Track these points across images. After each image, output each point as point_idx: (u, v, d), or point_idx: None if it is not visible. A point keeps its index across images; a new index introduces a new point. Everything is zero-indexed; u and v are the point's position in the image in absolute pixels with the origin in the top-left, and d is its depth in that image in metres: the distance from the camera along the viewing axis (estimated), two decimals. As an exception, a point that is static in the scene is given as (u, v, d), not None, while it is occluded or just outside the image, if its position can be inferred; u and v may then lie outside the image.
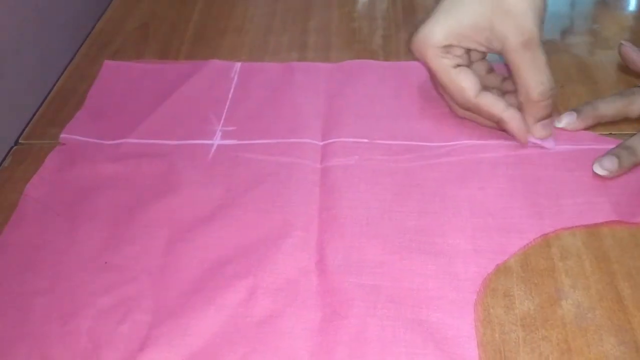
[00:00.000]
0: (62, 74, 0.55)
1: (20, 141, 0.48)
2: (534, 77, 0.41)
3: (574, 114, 0.44)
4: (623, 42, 0.48)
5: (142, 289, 0.36)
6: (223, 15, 0.63)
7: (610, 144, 0.43)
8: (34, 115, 0.50)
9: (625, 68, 0.53)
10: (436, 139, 0.45)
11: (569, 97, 0.49)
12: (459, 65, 0.43)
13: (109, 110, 0.49)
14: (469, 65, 0.44)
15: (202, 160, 0.44)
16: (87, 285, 0.36)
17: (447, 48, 0.43)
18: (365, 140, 0.45)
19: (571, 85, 0.51)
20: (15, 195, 0.42)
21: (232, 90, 0.50)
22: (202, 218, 0.40)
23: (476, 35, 0.42)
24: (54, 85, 0.54)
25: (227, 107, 0.49)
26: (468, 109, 0.44)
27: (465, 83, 0.43)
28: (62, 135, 0.46)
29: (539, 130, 0.43)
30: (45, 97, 0.52)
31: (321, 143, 0.45)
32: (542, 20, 0.42)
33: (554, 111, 0.44)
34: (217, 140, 0.46)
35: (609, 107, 0.44)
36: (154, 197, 0.41)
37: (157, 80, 0.52)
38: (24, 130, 0.49)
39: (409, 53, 0.55)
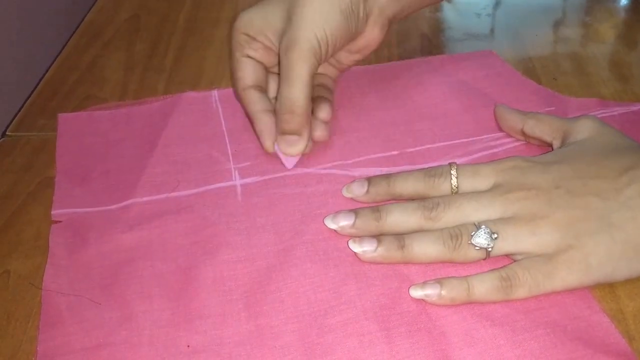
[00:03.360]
0: (51, 65, 0.55)
1: (7, 133, 0.47)
2: (283, 87, 0.40)
3: (365, 186, 0.38)
4: (497, 104, 0.44)
5: None
6: (215, 6, 0.63)
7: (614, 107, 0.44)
8: (22, 106, 0.50)
9: (617, 61, 0.53)
10: (471, 133, 0.44)
11: (562, 90, 0.48)
12: (249, 57, 0.42)
13: (89, 170, 0.42)
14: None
15: (233, 205, 0.39)
16: None
17: (251, 38, 0.42)
18: (395, 152, 0.43)
19: (564, 77, 0.50)
20: (2, 188, 0.42)
21: (223, 123, 0.46)
22: (270, 268, 0.35)
23: (271, 33, 0.41)
24: (43, 76, 0.53)
25: (227, 141, 0.44)
26: (240, 101, 0.43)
27: (240, 73, 0.42)
28: (55, 212, 0.39)
29: (281, 143, 0.41)
30: (34, 89, 0.52)
31: (350, 161, 0.42)
32: (330, 35, 0.39)
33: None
34: (237, 180, 0.41)
35: (406, 187, 0.37)
36: (201, 257, 0.36)
37: (130, 126, 0.46)
38: (11, 121, 0.48)
39: (400, 47, 0.55)
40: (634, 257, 0.32)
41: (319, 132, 0.42)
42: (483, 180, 0.36)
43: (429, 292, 0.32)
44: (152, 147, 0.44)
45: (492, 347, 0.31)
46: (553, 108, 0.46)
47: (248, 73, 0.43)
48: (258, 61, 0.43)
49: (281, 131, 0.41)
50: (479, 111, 0.46)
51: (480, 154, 0.42)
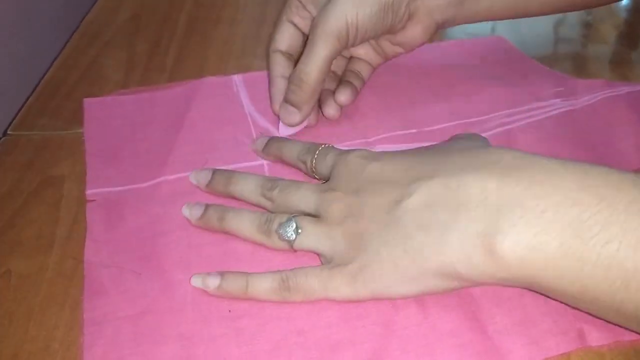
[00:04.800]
0: (51, 64, 0.55)
1: (8, 132, 0.47)
2: (301, 59, 0.41)
3: (265, 141, 0.42)
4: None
5: (288, 325, 0.32)
6: (216, 5, 0.63)
7: (621, 87, 0.46)
8: (22, 106, 0.50)
9: (618, 61, 0.53)
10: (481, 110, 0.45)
11: (563, 90, 0.48)
12: (292, 23, 0.44)
13: (118, 151, 0.44)
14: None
15: None
16: (221, 338, 0.32)
17: (302, 5, 0.43)
18: (414, 130, 0.44)
19: (565, 77, 0.50)
20: (3, 187, 0.42)
21: (245, 107, 0.47)
22: None
23: (316, 5, 0.42)
24: (43, 76, 0.53)
25: (251, 124, 0.45)
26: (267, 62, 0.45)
27: (277, 35, 0.44)
28: (89, 192, 0.40)
29: (282, 109, 0.43)
30: (35, 88, 0.52)
31: (372, 139, 0.43)
32: (361, 21, 0.40)
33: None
34: (265, 160, 0.42)
35: (287, 151, 0.40)
36: None
37: (154, 110, 0.47)
38: (12, 120, 0.48)
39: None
40: (412, 280, 0.31)
41: (332, 112, 0.44)
42: (327, 164, 0.37)
43: (208, 282, 0.33)
44: (177, 129, 0.45)
45: (518, 306, 0.32)
46: (562, 89, 0.47)
47: (283, 37, 0.44)
48: (299, 29, 0.44)
49: (285, 99, 0.43)
50: (492, 90, 0.47)
51: (495, 131, 0.43)
